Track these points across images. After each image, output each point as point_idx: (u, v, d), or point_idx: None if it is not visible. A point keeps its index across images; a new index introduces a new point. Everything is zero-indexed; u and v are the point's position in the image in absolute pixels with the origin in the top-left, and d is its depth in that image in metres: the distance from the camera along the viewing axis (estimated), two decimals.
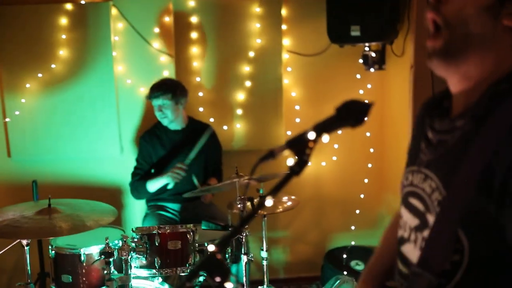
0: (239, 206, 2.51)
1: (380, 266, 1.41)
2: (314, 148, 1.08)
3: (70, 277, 2.74)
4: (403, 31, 3.36)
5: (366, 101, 1.07)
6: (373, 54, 3.55)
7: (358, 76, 3.76)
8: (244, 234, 2.75)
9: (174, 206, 3.35)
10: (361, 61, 3.58)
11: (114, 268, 2.37)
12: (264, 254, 2.84)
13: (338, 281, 3.15)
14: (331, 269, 3.58)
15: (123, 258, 2.29)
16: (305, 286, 3.85)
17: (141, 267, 2.43)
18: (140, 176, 3.38)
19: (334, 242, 3.98)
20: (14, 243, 2.43)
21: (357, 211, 3.93)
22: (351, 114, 1.05)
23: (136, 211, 3.76)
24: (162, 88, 3.23)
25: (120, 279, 2.25)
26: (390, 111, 3.72)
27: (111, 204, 2.77)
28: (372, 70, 3.57)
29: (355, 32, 3.33)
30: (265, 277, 2.92)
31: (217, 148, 3.56)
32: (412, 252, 1.13)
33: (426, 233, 1.06)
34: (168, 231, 2.43)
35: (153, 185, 3.28)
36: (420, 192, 1.12)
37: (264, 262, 2.82)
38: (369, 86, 3.78)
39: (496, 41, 1.01)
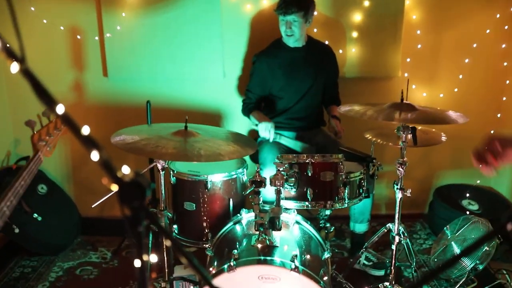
0: (402, 135, 2.23)
1: None
2: None
3: (194, 204, 2.59)
4: None
5: None
6: None
7: None
8: (378, 168, 2.51)
9: (289, 134, 3.10)
10: None
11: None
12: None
13: (469, 222, 2.92)
14: (445, 207, 3.35)
15: (276, 188, 2.06)
16: (408, 223, 3.65)
17: (286, 198, 2.22)
18: (248, 106, 3.16)
19: (441, 180, 3.74)
20: (151, 166, 2.24)
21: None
22: None
23: None
24: (297, 3, 2.88)
25: (272, 211, 2.03)
26: None
27: None
28: None
29: None
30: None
31: (336, 71, 3.28)
32: None
33: None
34: (318, 160, 2.19)
35: (254, 121, 3.08)
36: None
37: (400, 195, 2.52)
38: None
39: None
